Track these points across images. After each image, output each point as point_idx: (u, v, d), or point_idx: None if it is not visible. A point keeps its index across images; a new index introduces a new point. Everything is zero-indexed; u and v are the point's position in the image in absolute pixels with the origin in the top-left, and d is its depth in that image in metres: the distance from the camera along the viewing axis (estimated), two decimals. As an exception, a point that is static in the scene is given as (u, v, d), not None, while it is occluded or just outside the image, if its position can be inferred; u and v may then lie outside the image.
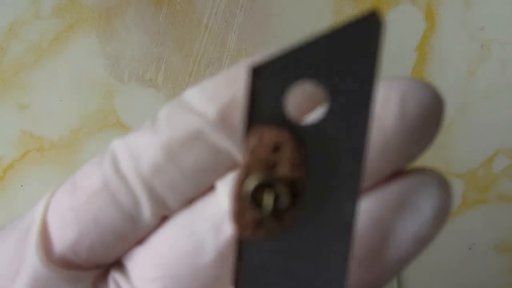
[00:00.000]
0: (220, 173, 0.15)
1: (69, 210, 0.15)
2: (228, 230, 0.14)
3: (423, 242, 0.14)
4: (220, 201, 0.15)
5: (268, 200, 0.12)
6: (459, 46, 0.35)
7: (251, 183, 0.12)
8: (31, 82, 0.33)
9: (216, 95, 0.14)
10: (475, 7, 0.35)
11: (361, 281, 0.14)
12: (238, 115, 0.14)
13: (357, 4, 0.34)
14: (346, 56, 0.12)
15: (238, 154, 0.14)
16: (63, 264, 0.15)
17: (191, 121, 0.14)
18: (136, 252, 0.16)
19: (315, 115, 0.13)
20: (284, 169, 0.12)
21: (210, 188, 0.15)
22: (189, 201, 0.15)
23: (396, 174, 0.14)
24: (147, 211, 0.15)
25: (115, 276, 0.16)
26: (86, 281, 0.16)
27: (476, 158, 0.36)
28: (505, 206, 0.35)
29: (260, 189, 0.12)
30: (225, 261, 0.14)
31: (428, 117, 0.13)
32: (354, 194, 0.13)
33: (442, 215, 0.14)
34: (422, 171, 0.14)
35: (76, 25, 0.33)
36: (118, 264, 0.16)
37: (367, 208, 0.14)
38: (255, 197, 0.12)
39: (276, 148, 0.12)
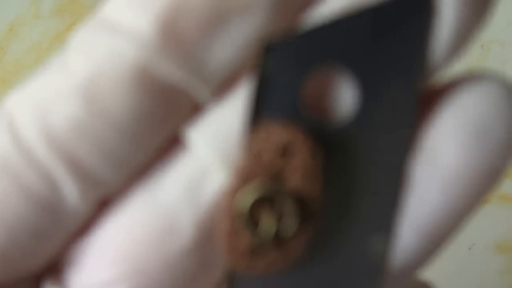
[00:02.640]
0: (175, 121, 0.10)
1: None
2: (210, 190, 0.10)
3: (496, 175, 0.10)
4: (194, 153, 0.10)
5: (269, 220, 0.09)
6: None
7: (249, 196, 0.09)
8: (31, 82, 0.33)
9: (150, 0, 0.09)
10: (475, 7, 0.35)
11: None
12: (189, 24, 0.09)
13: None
14: (387, 41, 0.09)
15: (197, 87, 0.10)
16: None
17: (119, 46, 0.09)
18: (76, 249, 0.11)
19: (342, 114, 0.10)
20: (293, 180, 0.09)
21: (169, 148, 0.11)
22: (140, 172, 0.10)
23: (448, 85, 0.10)
24: (71, 192, 0.10)
25: None
26: None
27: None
28: (505, 206, 0.35)
29: (260, 205, 0.09)
30: (209, 237, 0.10)
31: None
32: (387, 226, 0.10)
33: None
34: (480, 78, 0.10)
35: (77, 25, 0.33)
36: (51, 272, 0.12)
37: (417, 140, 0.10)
38: (253, 215, 0.09)
39: (286, 151, 0.09)
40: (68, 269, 0.11)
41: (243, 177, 0.09)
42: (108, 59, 0.09)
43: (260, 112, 0.09)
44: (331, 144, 0.09)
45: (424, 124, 0.10)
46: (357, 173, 0.09)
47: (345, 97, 0.10)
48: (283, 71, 0.09)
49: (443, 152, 0.10)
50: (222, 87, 0.10)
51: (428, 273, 0.17)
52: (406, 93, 0.09)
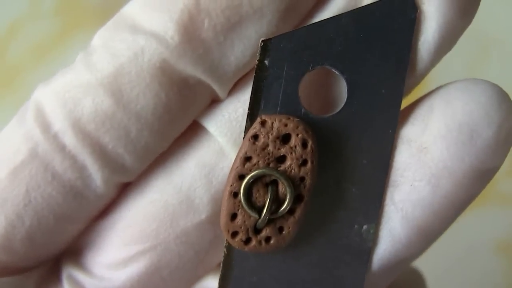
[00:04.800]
0: (194, 113, 0.11)
1: None
2: (223, 172, 0.11)
3: (485, 174, 0.10)
4: (210, 139, 0.11)
5: (266, 198, 0.10)
6: (459, 46, 0.35)
7: (247, 178, 0.10)
8: (31, 82, 0.33)
9: (170, 3, 0.10)
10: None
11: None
12: (205, 26, 0.10)
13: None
14: (373, 41, 0.10)
15: (213, 83, 0.10)
16: None
17: (141, 45, 0.10)
18: (95, 230, 0.12)
19: (335, 107, 0.11)
20: (289, 164, 0.10)
21: (187, 134, 0.11)
22: (158, 158, 0.11)
23: (440, 87, 0.11)
24: (97, 178, 0.11)
25: (70, 271, 0.12)
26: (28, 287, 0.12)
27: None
28: (505, 206, 0.35)
29: (258, 186, 0.10)
30: None
31: None
32: (373, 213, 0.10)
33: (507, 139, 0.10)
34: (470, 83, 0.10)
35: (76, 25, 0.33)
36: (70, 254, 0.12)
37: (407, 136, 0.10)
38: (251, 195, 0.10)
39: (284, 139, 0.10)
40: (87, 251, 0.12)
41: (244, 162, 0.10)
42: (131, 57, 0.10)
43: (259, 104, 0.10)
44: (323, 134, 0.10)
45: (416, 121, 0.10)
46: (346, 163, 0.10)
47: (337, 91, 0.11)
48: (279, 67, 0.10)
49: (433, 148, 0.10)
50: (237, 81, 0.11)
51: (428, 273, 0.17)
52: (392, 89, 0.10)
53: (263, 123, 0.10)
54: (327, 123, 0.10)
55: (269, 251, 0.10)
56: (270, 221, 0.10)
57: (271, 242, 0.10)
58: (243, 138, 0.10)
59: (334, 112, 0.10)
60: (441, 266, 0.35)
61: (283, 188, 0.10)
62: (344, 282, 0.11)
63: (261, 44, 0.10)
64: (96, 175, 0.11)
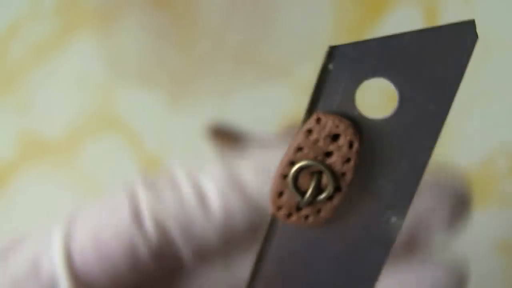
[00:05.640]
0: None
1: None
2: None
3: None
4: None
5: (309, 185, 0.12)
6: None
7: (296, 165, 0.12)
8: (31, 82, 0.33)
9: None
10: (475, 7, 0.34)
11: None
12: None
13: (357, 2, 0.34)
14: (430, 61, 0.11)
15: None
16: None
17: (254, 217, 0.13)
18: None
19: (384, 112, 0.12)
20: (335, 159, 0.12)
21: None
22: None
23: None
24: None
25: None
26: None
27: (476, 158, 0.36)
28: (505, 206, 0.35)
29: (305, 173, 0.12)
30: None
31: None
32: (404, 209, 0.12)
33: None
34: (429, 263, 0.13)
35: (77, 25, 0.33)
36: None
37: None
38: (298, 180, 0.12)
39: (333, 137, 0.12)
40: None
41: (296, 151, 0.12)
42: (244, 222, 0.13)
43: (317, 103, 0.12)
44: (371, 133, 0.12)
45: None
46: (386, 161, 0.12)
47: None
48: (340, 72, 0.11)
49: None
50: None
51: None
52: (439, 108, 0.11)
53: (318, 120, 0.12)
54: (377, 125, 0.12)
55: (307, 227, 0.12)
56: (310, 203, 0.12)
57: (309, 220, 0.12)
58: (299, 129, 0.12)
59: (385, 117, 0.12)
60: (441, 266, 0.35)
61: (326, 179, 0.12)
62: (366, 262, 0.13)
63: (328, 50, 0.11)
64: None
